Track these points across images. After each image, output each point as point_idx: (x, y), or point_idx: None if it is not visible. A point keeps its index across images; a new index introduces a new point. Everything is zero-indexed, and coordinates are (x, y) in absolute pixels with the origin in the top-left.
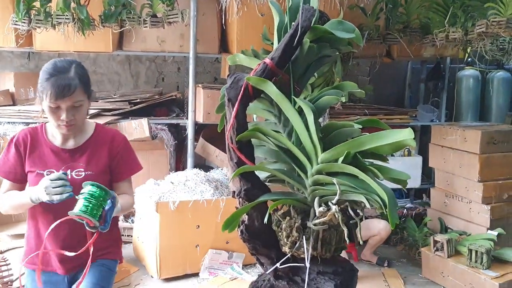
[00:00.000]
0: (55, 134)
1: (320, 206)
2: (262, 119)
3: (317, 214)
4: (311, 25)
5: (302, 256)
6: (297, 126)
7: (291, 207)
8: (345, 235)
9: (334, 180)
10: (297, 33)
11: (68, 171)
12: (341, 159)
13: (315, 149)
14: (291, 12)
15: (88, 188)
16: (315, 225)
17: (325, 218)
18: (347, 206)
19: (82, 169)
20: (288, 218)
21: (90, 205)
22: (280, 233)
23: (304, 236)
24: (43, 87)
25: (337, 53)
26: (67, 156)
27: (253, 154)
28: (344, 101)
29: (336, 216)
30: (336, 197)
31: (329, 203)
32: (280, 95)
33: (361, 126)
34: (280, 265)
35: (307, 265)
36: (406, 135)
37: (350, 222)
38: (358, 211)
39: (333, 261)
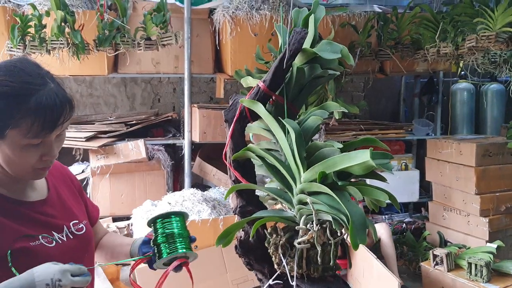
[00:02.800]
0: (6, 184)
1: (306, 224)
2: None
3: (300, 232)
4: (301, 47)
5: (291, 273)
6: (283, 146)
7: (277, 224)
8: (318, 254)
9: (308, 199)
10: (286, 55)
11: (64, 229)
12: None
13: (298, 169)
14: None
15: (171, 224)
16: (298, 243)
17: (306, 237)
18: (326, 226)
19: (77, 220)
20: (274, 235)
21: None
22: (269, 250)
23: (289, 254)
24: (12, 115)
25: (330, 73)
26: (46, 209)
27: (251, 173)
28: (338, 117)
29: (314, 235)
30: (313, 217)
31: (313, 222)
32: (268, 116)
33: (341, 146)
34: (270, 282)
35: (292, 283)
36: (367, 156)
37: (330, 242)
38: (337, 231)
39: (321, 281)
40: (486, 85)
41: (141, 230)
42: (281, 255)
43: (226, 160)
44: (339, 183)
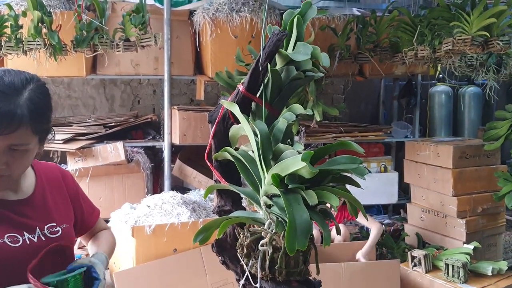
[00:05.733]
0: None
1: (269, 226)
2: None
3: (262, 234)
4: (277, 49)
5: (255, 274)
6: (253, 148)
7: (245, 225)
8: (268, 257)
9: (262, 201)
10: (260, 58)
11: (37, 230)
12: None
13: (263, 171)
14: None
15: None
16: (261, 245)
17: (265, 239)
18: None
19: (55, 223)
20: (242, 236)
21: None
22: (238, 250)
23: (254, 256)
24: None
25: (307, 75)
26: (23, 209)
27: (233, 173)
28: (319, 120)
29: (268, 237)
30: (269, 219)
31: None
32: (242, 118)
33: (301, 148)
34: (240, 282)
35: (254, 284)
36: (301, 161)
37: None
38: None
39: (284, 284)
40: (464, 88)
41: (120, 234)
42: (239, 255)
43: (209, 160)
44: (290, 185)
